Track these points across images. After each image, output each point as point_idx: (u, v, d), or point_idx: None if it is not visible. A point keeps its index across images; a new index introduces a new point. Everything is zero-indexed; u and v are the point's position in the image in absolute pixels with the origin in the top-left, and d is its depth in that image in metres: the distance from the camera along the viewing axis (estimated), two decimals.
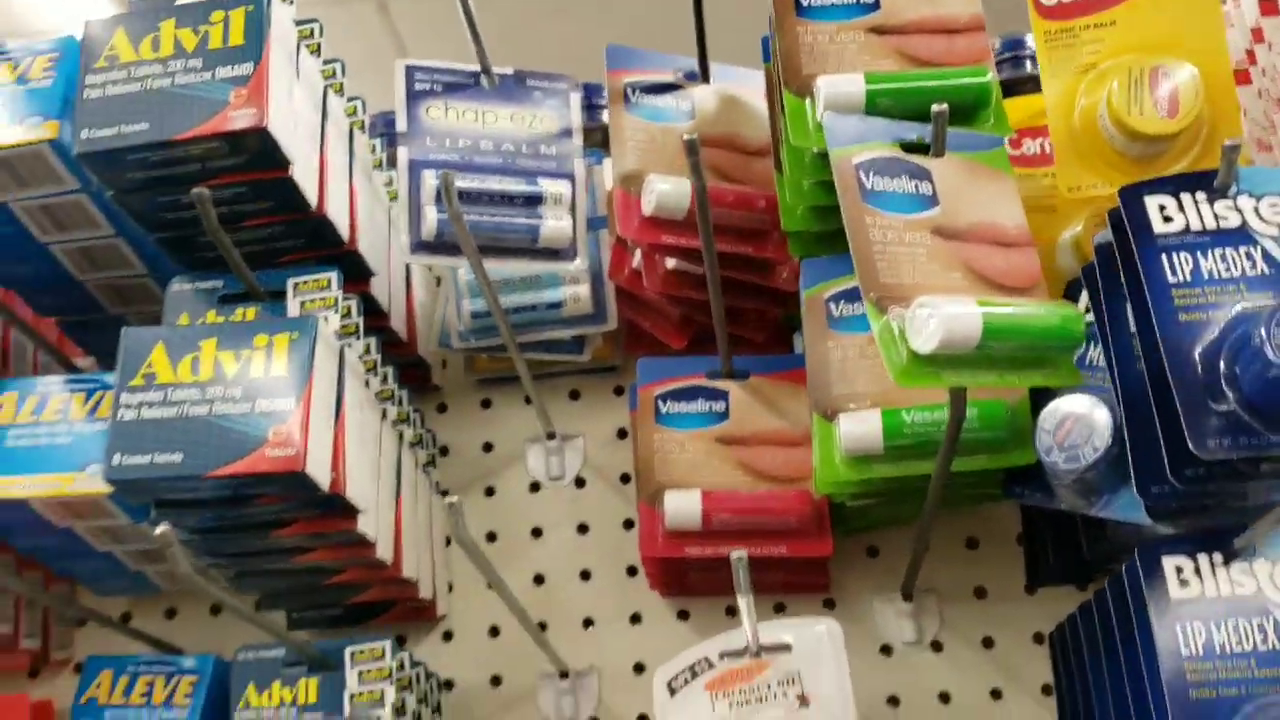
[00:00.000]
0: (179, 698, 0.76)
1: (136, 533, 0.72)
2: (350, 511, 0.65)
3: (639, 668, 0.81)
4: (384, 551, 0.70)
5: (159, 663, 0.78)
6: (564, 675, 0.80)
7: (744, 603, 0.59)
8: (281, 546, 0.68)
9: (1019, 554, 0.81)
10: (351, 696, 0.67)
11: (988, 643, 0.79)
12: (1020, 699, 0.77)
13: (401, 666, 0.69)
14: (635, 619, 0.82)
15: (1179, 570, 0.59)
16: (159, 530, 0.53)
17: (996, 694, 0.78)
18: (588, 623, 0.82)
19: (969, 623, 0.79)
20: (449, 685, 0.82)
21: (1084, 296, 0.63)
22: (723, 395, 0.75)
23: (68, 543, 0.72)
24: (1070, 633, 0.75)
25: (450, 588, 0.84)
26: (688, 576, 0.79)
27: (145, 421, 0.60)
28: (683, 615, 0.82)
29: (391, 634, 0.70)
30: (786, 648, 0.63)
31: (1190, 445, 0.52)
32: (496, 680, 0.82)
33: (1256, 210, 0.56)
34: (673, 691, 0.63)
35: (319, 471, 0.61)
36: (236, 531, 0.66)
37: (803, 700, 0.61)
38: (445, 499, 0.58)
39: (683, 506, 0.72)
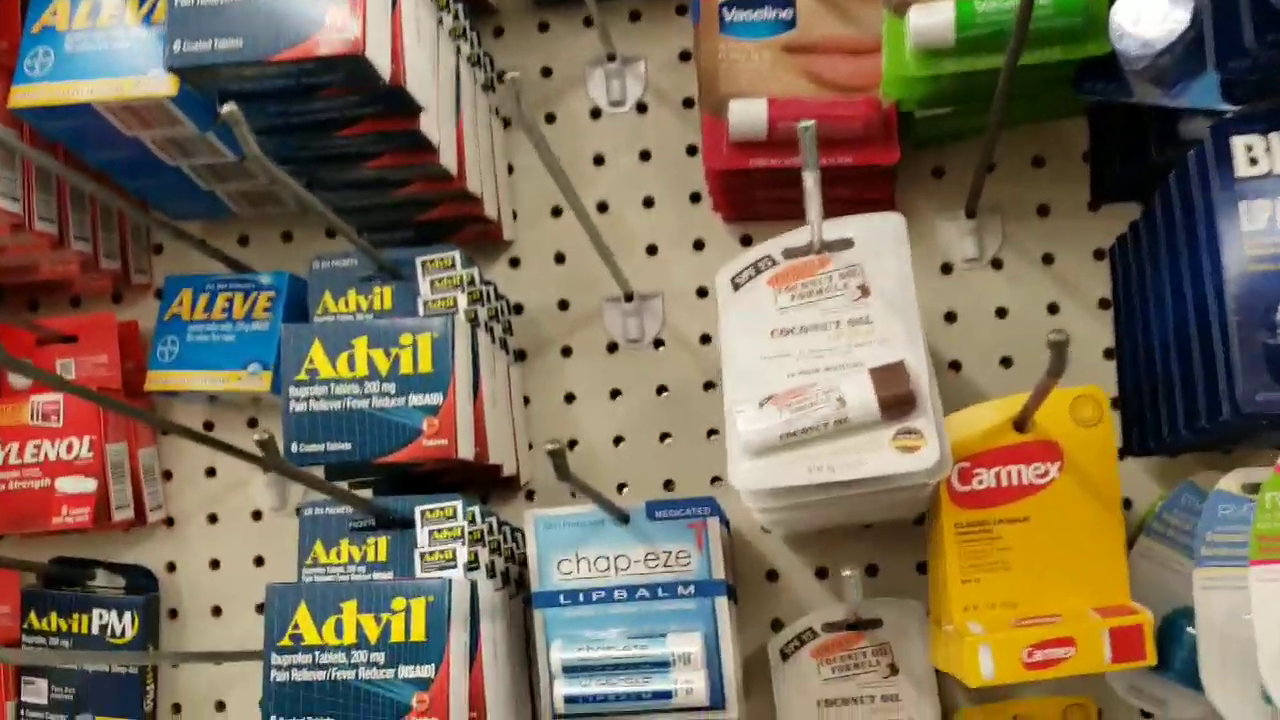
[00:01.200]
0: (259, 312, 0.79)
1: (205, 145, 0.72)
2: (412, 109, 0.65)
3: (702, 291, 0.82)
4: (447, 159, 0.71)
5: (237, 280, 0.80)
6: (629, 298, 0.82)
7: (810, 179, 0.58)
8: (348, 151, 0.68)
9: (1084, 171, 0.79)
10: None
11: (1048, 259, 0.79)
12: (1077, 312, 0.78)
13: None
14: (698, 245, 0.83)
15: (1249, 148, 0.58)
16: (226, 109, 0.53)
17: (1053, 308, 0.79)
18: (651, 250, 0.83)
19: (1030, 240, 0.79)
20: (519, 309, 0.84)
21: None
22: (790, 1, 0.72)
23: (138, 156, 0.73)
24: (1132, 239, 0.75)
25: (515, 216, 0.85)
26: (752, 196, 0.79)
27: (203, 8, 0.60)
28: (745, 241, 0.82)
29: (460, 250, 0.72)
30: (848, 243, 0.64)
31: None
32: (564, 304, 0.84)
33: None
34: (735, 287, 0.65)
35: (379, 57, 0.60)
36: (303, 131, 0.66)
37: (863, 291, 0.62)
38: (506, 76, 0.57)
39: (748, 114, 0.71)
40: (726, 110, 0.71)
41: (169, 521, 0.86)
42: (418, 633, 0.64)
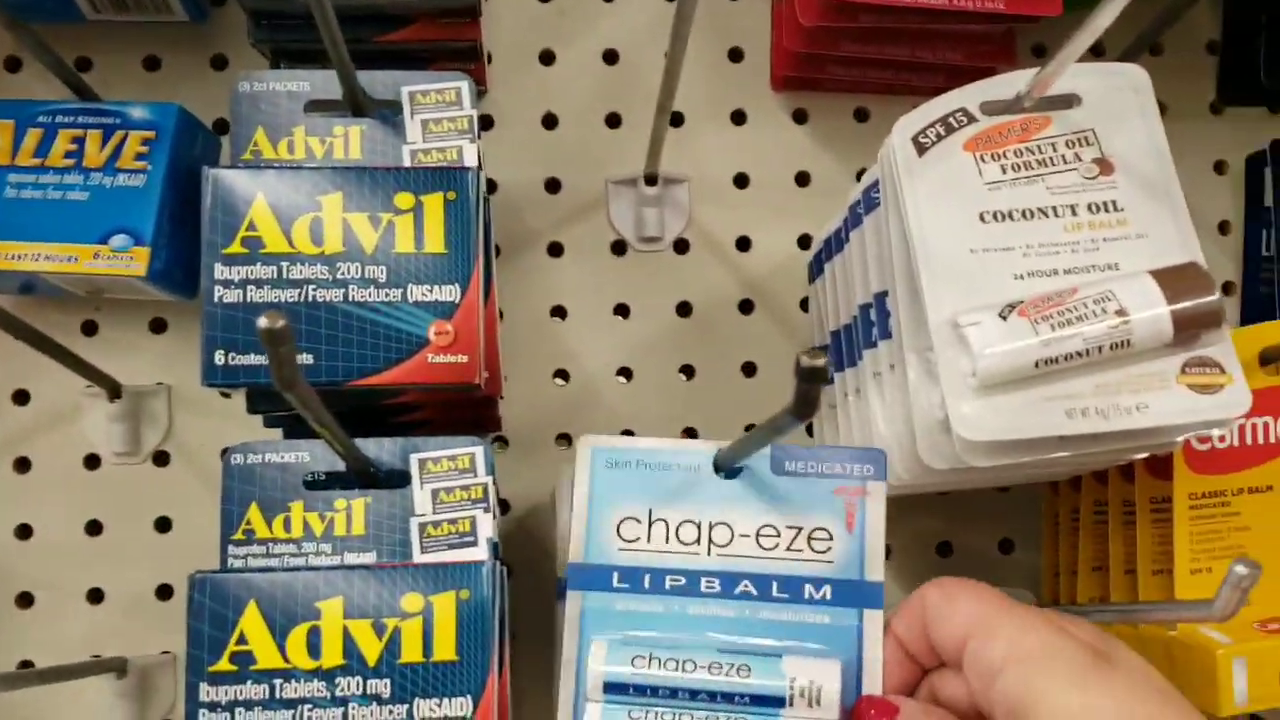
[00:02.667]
0: (128, 160, 0.53)
1: None
2: None
3: (741, 180, 0.62)
4: None
5: (90, 112, 0.54)
6: (650, 181, 0.61)
7: None
8: None
9: (1209, 64, 0.65)
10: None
11: None
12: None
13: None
14: (738, 118, 0.63)
15: None
16: None
17: None
18: (676, 120, 0.62)
19: None
20: (491, 188, 0.61)
21: None
22: None
23: None
24: (1273, 162, 0.61)
25: (489, 59, 0.62)
26: (824, 59, 0.60)
27: None
28: (799, 116, 0.63)
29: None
30: (1073, 100, 0.45)
31: None
32: (554, 185, 0.62)
33: None
34: (920, 149, 0.45)
35: None
36: None
37: (1103, 166, 0.44)
38: None
39: None
40: None
41: None
42: (444, 649, 0.41)
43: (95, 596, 0.59)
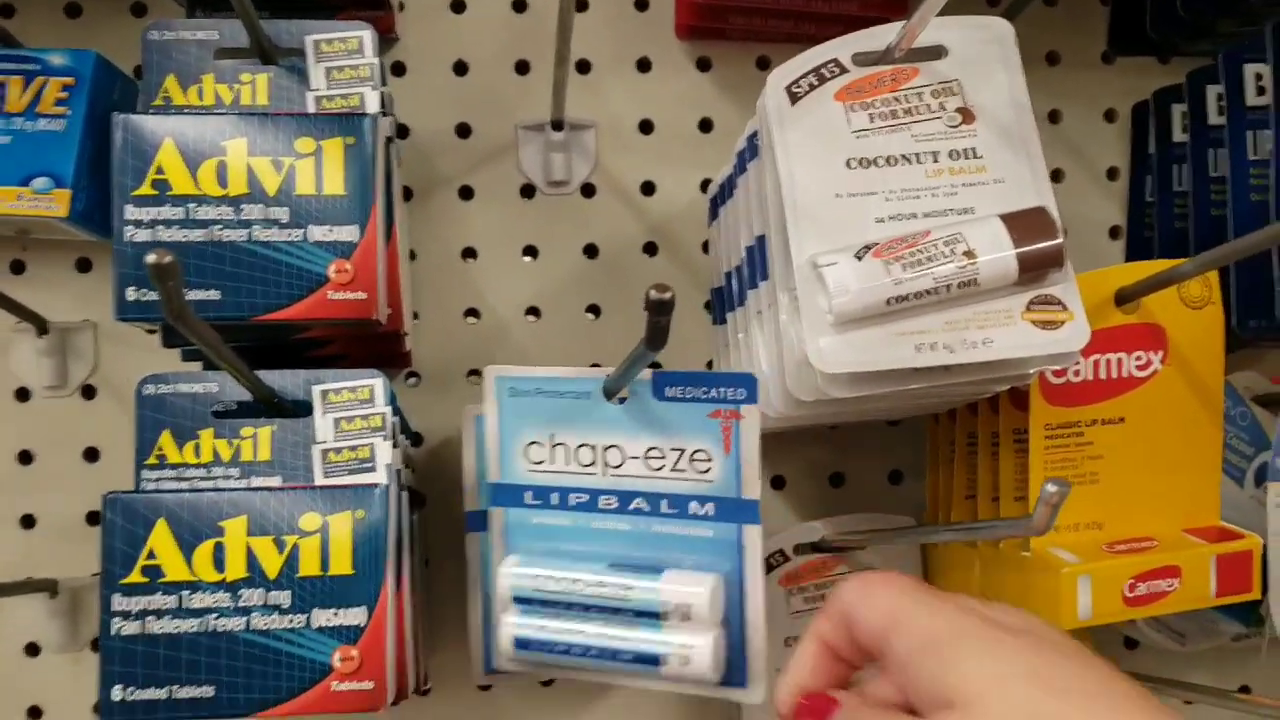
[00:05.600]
0: (48, 105, 0.55)
1: None
2: None
3: (646, 126, 0.65)
4: None
5: (10, 58, 0.56)
6: (557, 127, 0.63)
7: None
8: None
9: (1102, 15, 0.68)
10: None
11: (1054, 116, 0.67)
12: (1082, 181, 0.67)
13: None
14: (643, 65, 0.65)
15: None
16: None
17: (1057, 175, 0.67)
18: (583, 67, 0.65)
19: (1036, 93, 0.67)
20: (403, 133, 0.63)
21: None
22: None
23: None
24: (1156, 111, 0.64)
25: (401, 6, 0.64)
26: (725, 10, 0.62)
27: None
28: (703, 65, 0.66)
29: None
30: (939, 51, 0.48)
31: None
32: (464, 130, 0.64)
33: None
34: (793, 98, 0.48)
35: None
36: None
37: (965, 115, 0.47)
38: None
39: None
40: None
41: None
42: (340, 564, 0.44)
43: (27, 522, 0.62)
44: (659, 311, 0.35)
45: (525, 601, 0.47)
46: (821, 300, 0.43)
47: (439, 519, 0.61)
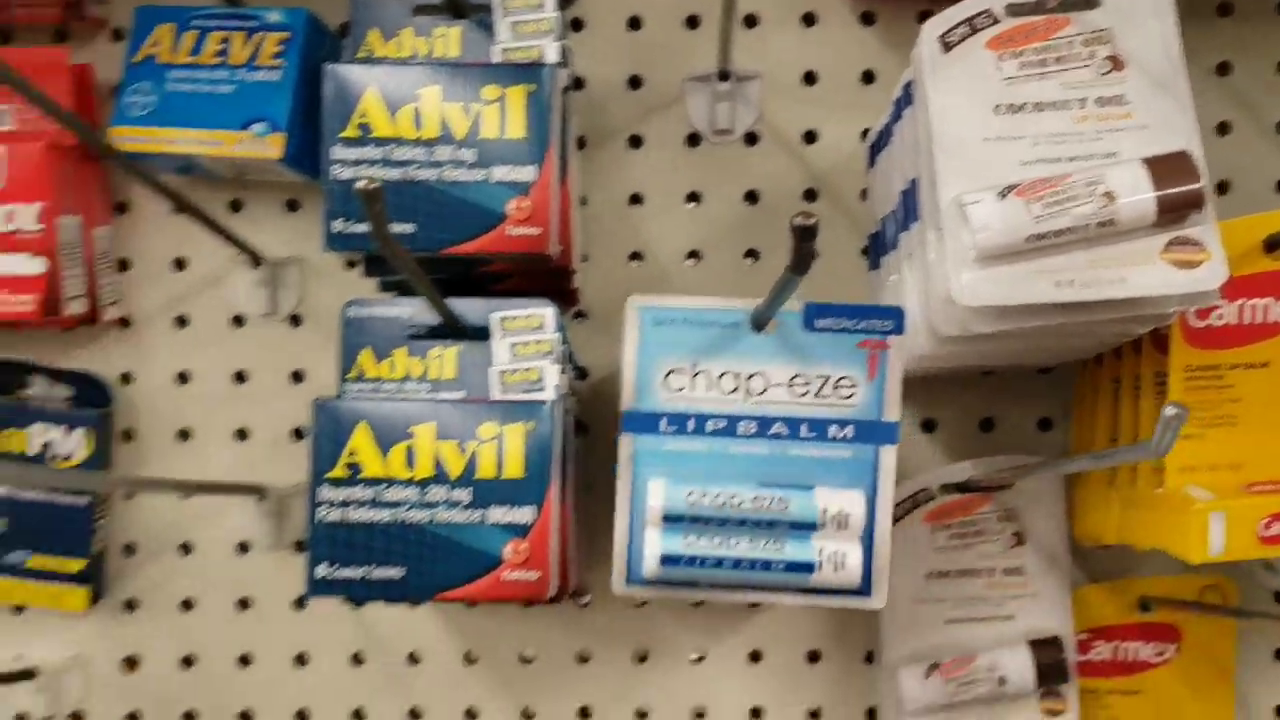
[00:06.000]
0: (265, 58, 0.61)
1: None
2: None
3: (810, 77, 0.68)
4: None
5: (233, 16, 0.62)
6: (723, 77, 0.67)
7: None
8: None
9: None
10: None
11: (1223, 69, 0.67)
12: (1249, 135, 0.67)
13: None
14: (809, 19, 0.68)
15: None
16: None
17: (1224, 128, 0.67)
18: (750, 21, 0.68)
19: (1205, 45, 0.67)
20: (579, 84, 0.68)
21: None
22: None
23: None
24: None
25: None
26: None
27: None
28: (867, 19, 0.68)
29: None
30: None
31: None
32: (636, 82, 0.68)
33: None
34: (946, 47, 0.50)
35: None
36: None
37: (1115, 63, 0.49)
38: None
39: None
40: None
41: (124, 322, 0.69)
42: (513, 468, 0.49)
43: (241, 435, 0.69)
44: (804, 237, 0.39)
45: (676, 519, 0.51)
46: (965, 236, 0.46)
47: (599, 449, 0.66)
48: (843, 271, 0.67)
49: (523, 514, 0.49)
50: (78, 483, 0.64)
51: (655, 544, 0.51)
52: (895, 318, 0.49)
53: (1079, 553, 0.65)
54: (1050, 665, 0.61)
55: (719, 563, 0.50)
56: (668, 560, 0.51)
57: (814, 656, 0.68)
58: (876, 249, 0.63)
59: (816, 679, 0.68)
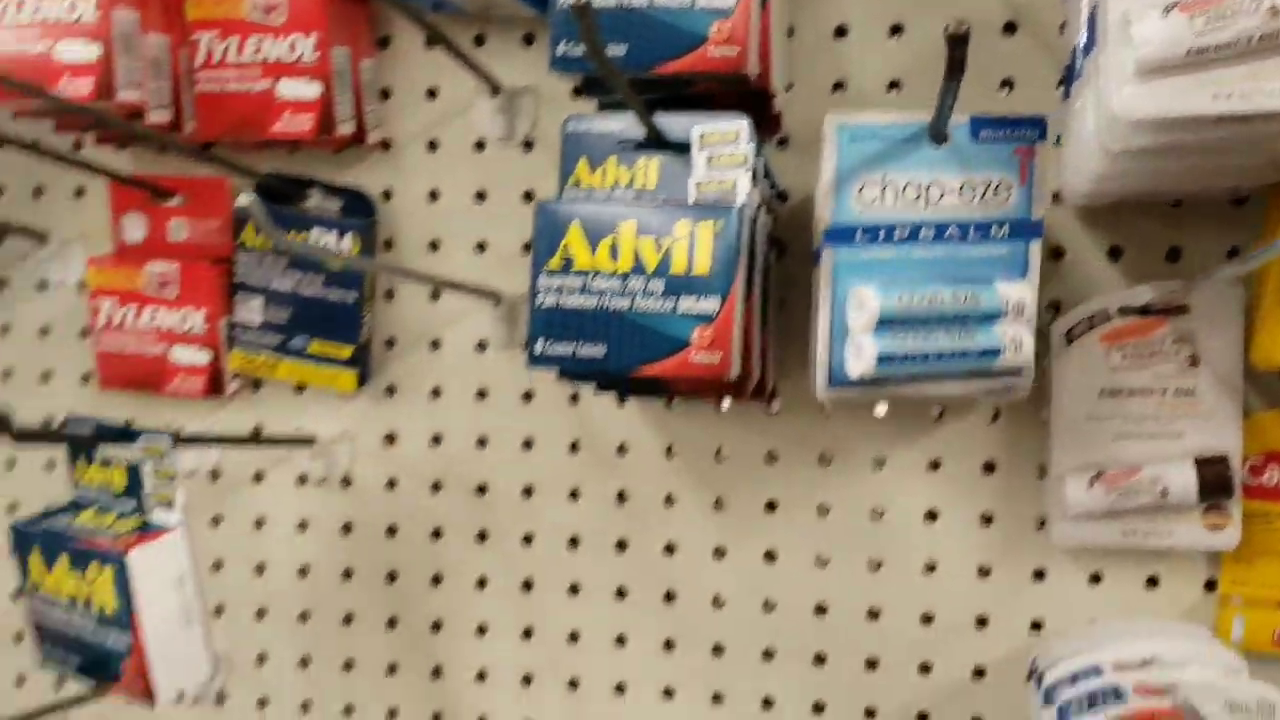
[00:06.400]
0: None
1: None
2: None
3: None
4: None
5: None
6: None
7: None
8: None
9: None
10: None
11: None
12: None
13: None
14: None
15: None
16: None
17: None
18: None
19: None
20: None
21: None
22: None
23: None
24: None
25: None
26: None
27: None
28: None
29: None
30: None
31: None
32: None
33: None
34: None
35: None
36: None
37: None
38: None
39: None
40: None
41: (385, 145, 0.79)
42: (701, 264, 0.56)
43: (480, 248, 0.79)
44: (956, 45, 0.43)
45: (888, 323, 0.57)
46: (1127, 52, 0.49)
47: (796, 268, 0.72)
48: (1043, 104, 0.69)
49: (708, 304, 0.56)
50: (360, 265, 0.76)
51: (870, 345, 0.57)
52: (1040, 125, 0.56)
53: (1259, 381, 0.67)
54: (1214, 480, 0.64)
55: (924, 358, 0.58)
56: (884, 360, 0.57)
57: (989, 467, 0.73)
58: (1069, 79, 0.65)
59: (990, 488, 0.73)
